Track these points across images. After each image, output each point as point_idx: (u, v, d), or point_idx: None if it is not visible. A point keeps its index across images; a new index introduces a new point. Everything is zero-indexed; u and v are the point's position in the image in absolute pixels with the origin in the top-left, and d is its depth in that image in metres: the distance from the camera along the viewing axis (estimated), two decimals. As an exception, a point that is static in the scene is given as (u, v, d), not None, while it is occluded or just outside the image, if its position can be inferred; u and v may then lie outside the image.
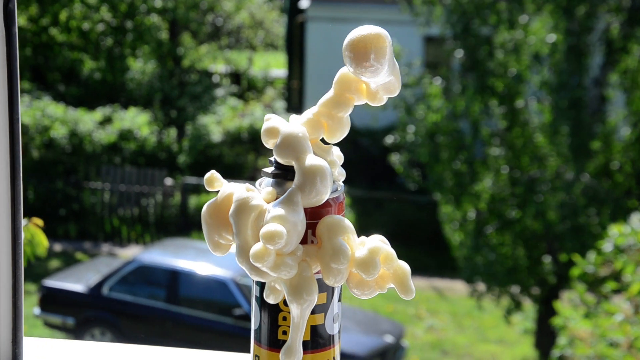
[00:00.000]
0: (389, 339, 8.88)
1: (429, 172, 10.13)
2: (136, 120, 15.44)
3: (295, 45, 18.81)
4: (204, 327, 8.93)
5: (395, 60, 0.92)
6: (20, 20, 17.40)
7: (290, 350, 0.89)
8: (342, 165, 0.98)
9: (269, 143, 0.93)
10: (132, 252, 12.54)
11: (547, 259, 9.44)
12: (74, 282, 9.71)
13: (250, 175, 15.59)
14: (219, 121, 16.31)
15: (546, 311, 9.52)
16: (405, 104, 10.14)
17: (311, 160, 0.89)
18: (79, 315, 9.47)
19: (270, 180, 0.94)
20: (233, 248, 0.93)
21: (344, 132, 0.96)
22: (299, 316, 0.89)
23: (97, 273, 9.76)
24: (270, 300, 0.92)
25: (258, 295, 0.96)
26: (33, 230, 3.16)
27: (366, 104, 0.98)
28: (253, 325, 0.97)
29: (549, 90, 9.69)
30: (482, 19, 9.88)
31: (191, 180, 14.21)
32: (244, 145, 15.87)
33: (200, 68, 19.20)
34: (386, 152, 11.81)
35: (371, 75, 0.90)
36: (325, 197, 0.89)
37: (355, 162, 15.33)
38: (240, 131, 15.91)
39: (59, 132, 14.78)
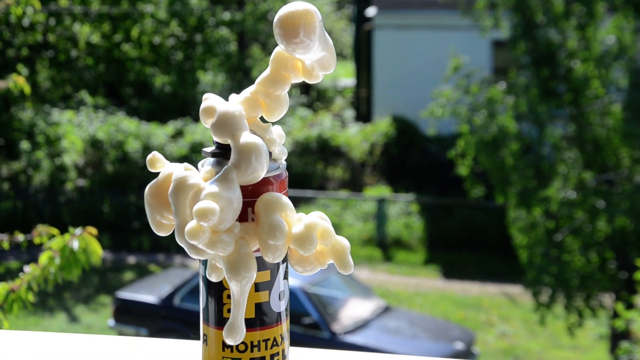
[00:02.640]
0: (459, 345, 8.79)
1: (491, 179, 10.00)
2: (207, 133, 15.61)
3: (363, 54, 18.83)
4: (273, 336, 8.95)
5: (327, 35, 0.93)
6: (94, 38, 17.78)
7: (233, 328, 0.89)
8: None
9: (207, 122, 0.94)
10: (204, 263, 12.66)
11: (614, 264, 9.26)
12: (147, 293, 9.82)
13: (319, 184, 15.63)
14: (289, 131, 16.40)
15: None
16: (466, 111, 10.05)
17: (246, 137, 0.90)
18: (152, 326, 9.57)
19: (211, 160, 0.95)
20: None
21: (283, 110, 0.96)
22: (238, 292, 0.89)
23: (169, 284, 9.87)
24: (213, 278, 0.93)
25: (203, 274, 0.96)
26: (87, 239, 3.22)
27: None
28: (201, 304, 0.98)
29: (625, 90, 9.52)
30: (545, 21, 9.76)
31: (261, 190, 14.28)
32: (312, 155, 15.93)
33: (269, 79, 19.32)
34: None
35: (302, 51, 0.90)
36: (261, 174, 0.90)
37: (425, 169, 15.25)
38: (309, 141, 15.97)
39: (133, 147, 15.04)
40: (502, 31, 10.37)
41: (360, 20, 18.91)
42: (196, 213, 0.84)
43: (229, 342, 0.89)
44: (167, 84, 18.03)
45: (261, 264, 0.93)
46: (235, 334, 0.89)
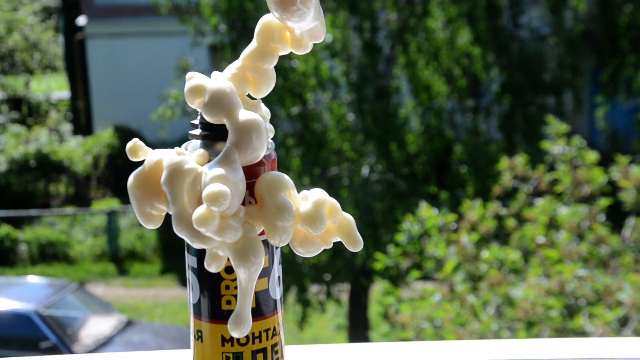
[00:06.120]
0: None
1: None
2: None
3: (76, 65, 18.26)
4: (11, 366, 8.48)
5: (319, 4, 0.89)
6: None
7: (239, 318, 0.83)
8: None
9: (194, 103, 0.86)
10: None
11: (348, 255, 9.57)
12: None
13: (42, 202, 14.99)
14: (2, 150, 15.63)
15: (358, 306, 9.72)
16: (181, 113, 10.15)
17: (244, 115, 0.84)
18: None
19: (199, 142, 0.88)
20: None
21: (271, 85, 0.91)
22: (246, 280, 0.83)
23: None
24: (212, 269, 0.85)
25: (195, 266, 0.89)
26: None
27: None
28: (192, 300, 0.91)
29: (348, 86, 9.86)
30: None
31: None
32: (32, 173, 15.26)
33: (-26, 96, 18.35)
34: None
35: (298, 19, 0.86)
36: (262, 153, 0.84)
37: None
38: (27, 158, 15.30)
39: None
40: (216, 37, 10.44)
41: (70, 30, 18.31)
42: (207, 197, 0.78)
43: (235, 334, 0.83)
44: None
45: (259, 250, 0.87)
46: (242, 325, 0.83)
